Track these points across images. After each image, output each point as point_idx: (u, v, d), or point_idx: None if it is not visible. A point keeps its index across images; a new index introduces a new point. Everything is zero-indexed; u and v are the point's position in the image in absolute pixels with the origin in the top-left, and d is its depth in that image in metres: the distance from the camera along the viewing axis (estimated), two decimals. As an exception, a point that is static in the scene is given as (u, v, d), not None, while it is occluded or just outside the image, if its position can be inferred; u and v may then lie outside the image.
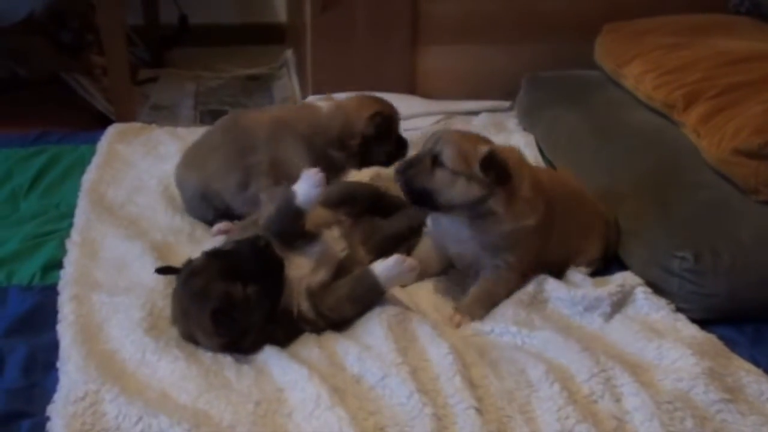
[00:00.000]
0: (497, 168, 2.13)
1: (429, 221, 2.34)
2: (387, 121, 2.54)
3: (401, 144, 2.62)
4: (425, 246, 2.37)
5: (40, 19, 4.19)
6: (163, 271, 2.14)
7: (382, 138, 2.54)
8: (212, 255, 2.03)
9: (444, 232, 2.30)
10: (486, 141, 2.22)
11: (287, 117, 2.63)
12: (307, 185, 2.12)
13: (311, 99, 2.68)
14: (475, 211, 2.18)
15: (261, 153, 2.57)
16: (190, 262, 2.06)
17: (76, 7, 4.26)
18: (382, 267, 2.09)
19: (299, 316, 2.06)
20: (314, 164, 2.41)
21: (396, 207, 2.50)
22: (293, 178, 2.24)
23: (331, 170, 2.51)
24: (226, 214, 2.61)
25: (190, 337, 2.02)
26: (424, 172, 2.15)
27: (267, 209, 2.28)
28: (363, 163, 2.61)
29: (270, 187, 2.54)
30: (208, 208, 2.63)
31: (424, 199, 2.18)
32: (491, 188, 2.15)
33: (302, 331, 2.07)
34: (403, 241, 2.42)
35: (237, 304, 1.94)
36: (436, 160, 2.15)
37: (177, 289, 2.05)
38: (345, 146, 2.55)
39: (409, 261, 2.11)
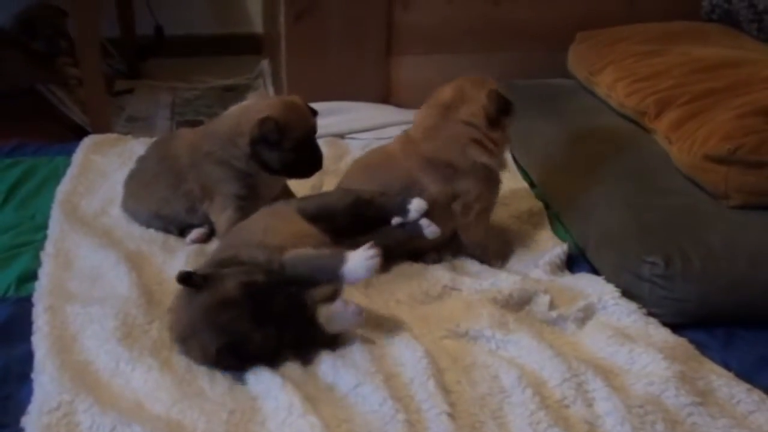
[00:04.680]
0: None
1: None
2: (279, 128, 2.42)
3: (310, 159, 2.52)
4: None
5: (12, 31, 4.18)
6: (184, 280, 1.93)
7: (273, 144, 2.45)
8: (248, 294, 1.91)
9: None
10: None
11: (196, 140, 2.61)
12: (359, 259, 1.98)
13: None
14: None
15: (190, 181, 2.59)
16: (220, 278, 1.93)
17: (47, 15, 4.25)
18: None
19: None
20: (230, 178, 2.51)
21: (380, 219, 2.38)
22: (225, 194, 2.50)
23: (246, 179, 2.52)
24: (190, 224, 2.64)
25: (181, 339, 1.99)
26: None
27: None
28: (263, 167, 2.51)
29: (211, 206, 2.57)
30: (168, 225, 2.65)
31: None
32: None
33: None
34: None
35: (251, 349, 1.92)
36: None
37: (198, 302, 1.93)
38: (237, 146, 2.49)
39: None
